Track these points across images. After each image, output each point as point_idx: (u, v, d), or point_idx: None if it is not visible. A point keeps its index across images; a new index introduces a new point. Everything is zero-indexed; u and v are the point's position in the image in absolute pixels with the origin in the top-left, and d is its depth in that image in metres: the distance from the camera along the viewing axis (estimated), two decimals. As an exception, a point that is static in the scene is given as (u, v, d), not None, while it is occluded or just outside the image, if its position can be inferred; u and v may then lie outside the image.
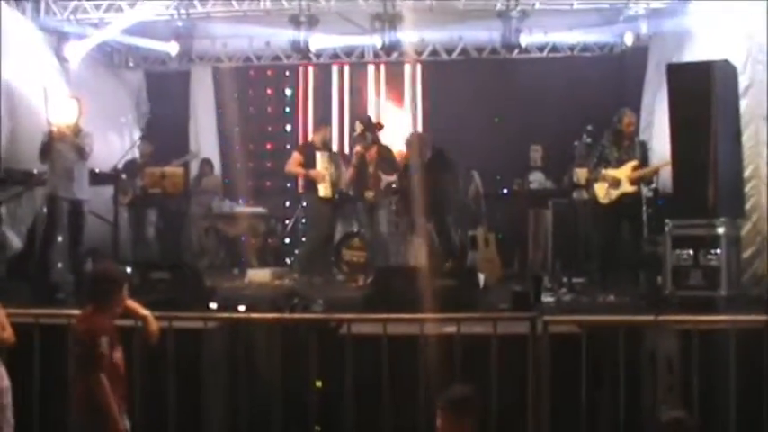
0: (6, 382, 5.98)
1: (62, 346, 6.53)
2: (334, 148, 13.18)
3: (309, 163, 11.54)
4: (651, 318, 6.97)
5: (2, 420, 5.89)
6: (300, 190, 11.87)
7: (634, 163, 10.10)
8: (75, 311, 6.81)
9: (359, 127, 11.55)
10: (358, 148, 11.44)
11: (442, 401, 5.18)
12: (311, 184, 11.59)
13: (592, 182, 10.35)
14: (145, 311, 5.92)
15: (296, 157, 11.67)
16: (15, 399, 6.03)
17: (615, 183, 10.06)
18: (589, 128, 10.52)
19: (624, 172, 10.08)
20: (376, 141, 11.61)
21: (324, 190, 11.53)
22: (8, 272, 10.26)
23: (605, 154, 10.24)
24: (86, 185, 9.96)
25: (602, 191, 10.17)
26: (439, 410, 5.13)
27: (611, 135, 10.34)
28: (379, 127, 11.72)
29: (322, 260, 12.00)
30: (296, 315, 7.70)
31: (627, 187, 10.05)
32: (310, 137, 12.07)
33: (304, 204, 12.27)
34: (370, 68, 15.75)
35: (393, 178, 11.61)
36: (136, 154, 13.17)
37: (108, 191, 11.01)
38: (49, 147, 9.62)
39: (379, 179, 11.36)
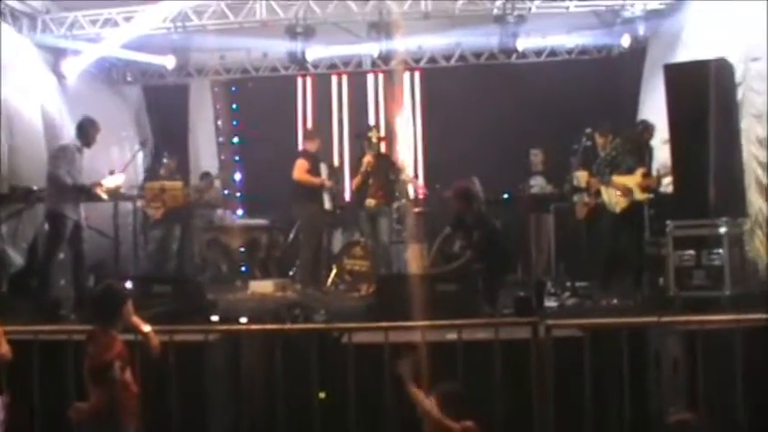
0: (4, 399, 5.97)
1: (62, 362, 6.51)
2: (335, 158, 13.26)
3: (315, 170, 11.56)
4: (654, 319, 6.93)
5: None
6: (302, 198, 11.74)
7: (644, 170, 10.01)
8: (76, 327, 6.83)
9: (375, 136, 11.52)
10: (368, 158, 11.37)
11: (433, 391, 5.30)
12: (314, 194, 11.57)
13: (597, 186, 10.27)
14: (146, 328, 5.89)
15: (303, 163, 11.61)
16: (15, 415, 6.01)
17: (626, 191, 9.95)
18: (588, 130, 10.46)
19: (635, 179, 9.93)
20: (380, 151, 11.65)
21: (327, 202, 11.58)
22: (9, 289, 10.24)
23: (617, 160, 10.15)
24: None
25: (611, 199, 10.07)
26: (431, 398, 5.25)
27: (627, 142, 10.26)
28: (382, 140, 11.72)
29: (322, 270, 12.05)
30: (297, 326, 7.67)
31: (638, 195, 9.94)
32: (304, 145, 12.00)
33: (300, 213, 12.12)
34: (369, 77, 15.76)
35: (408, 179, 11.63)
36: (161, 170, 13.26)
37: (107, 206, 10.88)
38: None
39: (380, 187, 11.31)
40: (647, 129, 10.32)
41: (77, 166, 9.86)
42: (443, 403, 5.34)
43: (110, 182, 10.28)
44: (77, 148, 9.92)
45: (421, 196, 11.92)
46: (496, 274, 9.57)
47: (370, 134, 11.51)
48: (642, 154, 10.14)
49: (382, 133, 11.80)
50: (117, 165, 11.83)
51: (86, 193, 9.92)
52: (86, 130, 10.04)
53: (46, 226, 10.14)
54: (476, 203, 10.27)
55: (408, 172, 11.98)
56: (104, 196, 10.21)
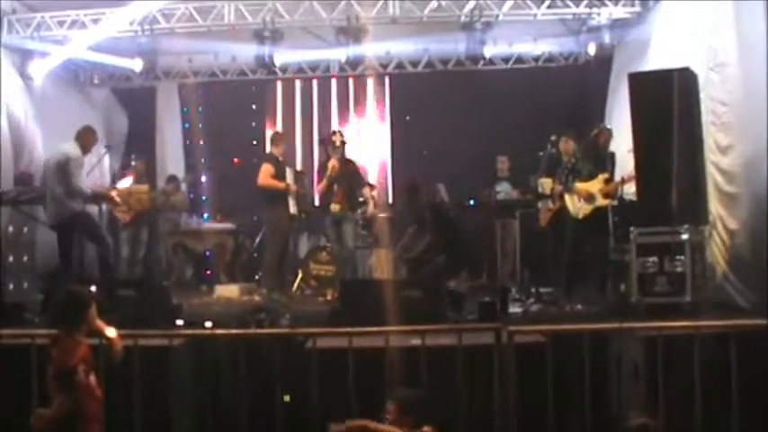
0: None
1: (25, 367, 6.48)
2: (299, 162, 13.24)
3: (280, 175, 11.51)
4: (615, 325, 7.01)
5: None
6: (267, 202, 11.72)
7: (606, 176, 10.12)
8: (39, 331, 6.79)
9: (338, 139, 11.52)
10: (333, 162, 11.37)
11: (391, 398, 5.31)
12: (280, 198, 11.54)
13: (561, 193, 10.37)
14: (110, 332, 5.87)
15: (268, 168, 11.51)
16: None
17: (588, 197, 10.06)
18: (553, 138, 10.57)
19: (596, 185, 10.07)
20: (345, 157, 11.66)
21: (293, 207, 11.57)
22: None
23: (578, 167, 10.25)
24: None
25: (574, 205, 10.17)
26: (388, 406, 5.26)
27: (586, 148, 10.37)
28: (346, 144, 11.75)
29: (288, 274, 12.06)
30: (261, 330, 7.68)
31: (600, 201, 10.07)
32: (270, 149, 11.96)
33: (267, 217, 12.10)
34: (336, 82, 15.78)
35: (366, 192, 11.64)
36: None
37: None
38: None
39: (345, 193, 11.32)
40: (603, 133, 10.43)
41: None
42: (402, 410, 5.35)
43: (124, 185, 10.47)
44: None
45: (372, 207, 11.86)
46: (456, 263, 9.63)
47: (333, 138, 11.51)
48: (603, 159, 10.25)
49: (347, 137, 11.76)
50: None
51: (103, 198, 10.56)
52: (86, 138, 10.25)
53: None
54: (423, 195, 10.31)
55: (370, 180, 11.97)
56: (118, 200, 10.82)
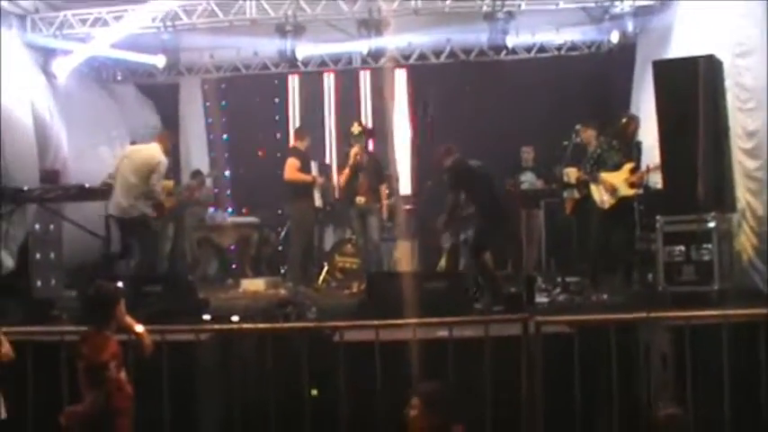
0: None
1: (55, 363, 6.52)
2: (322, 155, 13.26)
3: (305, 168, 11.55)
4: (643, 315, 6.97)
5: None
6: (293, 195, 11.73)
7: (631, 165, 10.03)
8: (69, 328, 6.84)
9: (357, 128, 11.52)
10: (356, 149, 11.37)
11: (416, 392, 5.30)
12: (306, 191, 11.57)
13: (586, 182, 10.31)
14: (139, 328, 5.92)
15: (294, 162, 11.52)
16: (9, 417, 6.03)
17: (613, 188, 9.97)
18: (578, 127, 10.53)
19: (622, 175, 9.95)
20: (367, 148, 11.66)
21: (318, 200, 11.60)
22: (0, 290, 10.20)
23: (603, 157, 10.18)
24: None
25: (599, 195, 10.09)
26: (413, 400, 5.25)
27: (613, 138, 10.29)
28: (370, 134, 11.74)
29: (314, 267, 12.08)
30: (288, 324, 7.70)
31: (625, 191, 9.98)
32: (294, 143, 11.99)
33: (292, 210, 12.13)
34: (359, 75, 15.75)
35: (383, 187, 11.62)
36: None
37: (98, 206, 10.86)
38: None
39: (369, 184, 11.29)
40: (632, 121, 10.32)
41: None
42: (427, 404, 5.32)
43: None
44: None
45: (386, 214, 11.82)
46: (492, 223, 9.63)
47: (353, 128, 11.51)
48: (629, 149, 10.16)
49: (367, 127, 11.77)
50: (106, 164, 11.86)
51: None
52: (166, 142, 10.86)
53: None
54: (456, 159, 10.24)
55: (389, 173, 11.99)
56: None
